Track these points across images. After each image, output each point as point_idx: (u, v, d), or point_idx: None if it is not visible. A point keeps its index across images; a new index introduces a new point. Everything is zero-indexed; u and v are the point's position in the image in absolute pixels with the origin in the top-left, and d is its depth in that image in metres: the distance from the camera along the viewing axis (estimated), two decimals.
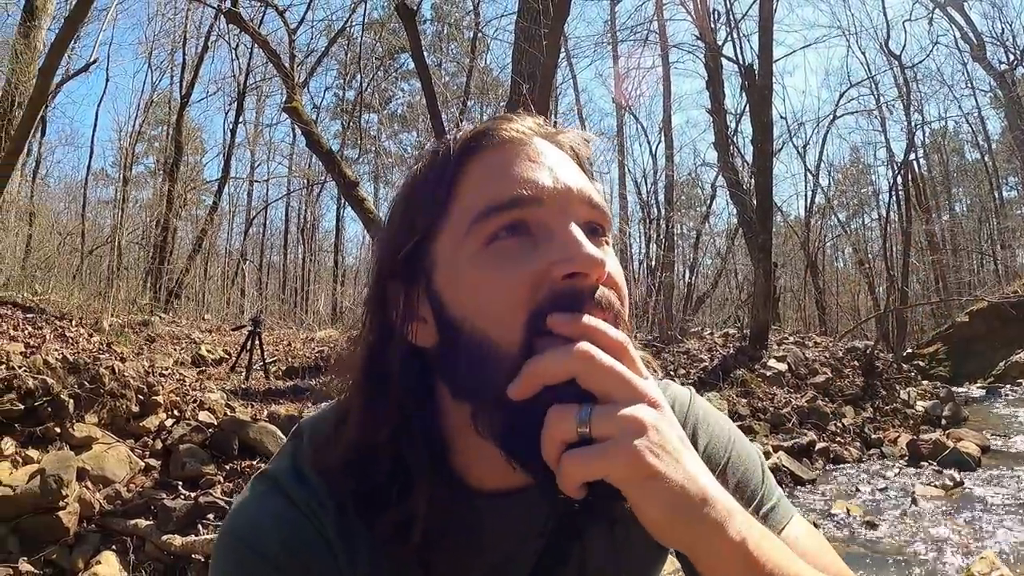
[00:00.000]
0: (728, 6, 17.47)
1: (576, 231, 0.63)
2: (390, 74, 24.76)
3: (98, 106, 33.66)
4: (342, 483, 0.69)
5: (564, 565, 0.72)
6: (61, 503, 4.38)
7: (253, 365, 8.84)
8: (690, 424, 0.83)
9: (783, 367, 10.37)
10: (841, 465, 8.08)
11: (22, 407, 4.97)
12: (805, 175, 24.08)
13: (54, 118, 21.09)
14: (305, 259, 27.13)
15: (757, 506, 0.79)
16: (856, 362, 11.39)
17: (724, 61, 16.50)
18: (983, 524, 5.77)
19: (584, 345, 0.56)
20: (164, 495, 4.81)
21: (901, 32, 31.25)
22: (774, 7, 12.19)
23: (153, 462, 5.26)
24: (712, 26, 16.64)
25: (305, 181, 24.90)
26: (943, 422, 10.07)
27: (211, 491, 4.86)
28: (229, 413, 5.90)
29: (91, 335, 7.03)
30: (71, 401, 5.16)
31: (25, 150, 12.49)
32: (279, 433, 5.59)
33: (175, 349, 9.13)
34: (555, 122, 0.76)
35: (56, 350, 5.66)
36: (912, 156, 20.53)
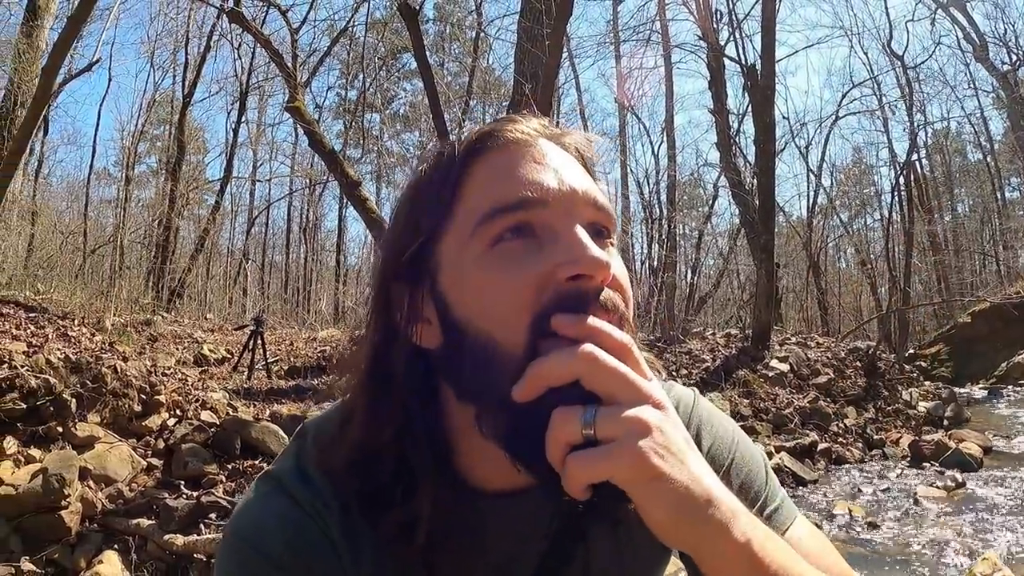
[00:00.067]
0: (730, 6, 17.48)
1: (581, 233, 0.63)
2: (392, 74, 24.80)
3: (100, 105, 34.10)
4: (346, 483, 0.69)
5: (567, 566, 0.72)
6: (63, 502, 4.39)
7: (255, 365, 8.85)
8: (694, 425, 0.83)
9: (785, 367, 10.36)
10: (843, 466, 8.08)
11: (24, 406, 4.97)
12: (807, 175, 24.13)
13: (57, 117, 21.18)
14: (307, 259, 27.14)
15: (761, 507, 0.79)
16: (858, 363, 11.37)
17: (726, 61, 16.50)
18: (985, 525, 5.77)
19: (588, 347, 0.56)
20: (166, 494, 4.81)
21: (903, 32, 31.22)
22: (776, 7, 12.17)
23: (155, 461, 5.26)
24: (714, 26, 16.63)
25: (307, 181, 24.91)
26: (945, 423, 10.06)
27: (213, 491, 4.86)
28: (231, 413, 5.90)
29: (93, 334, 7.03)
30: (73, 400, 5.17)
31: (28, 149, 12.53)
32: (281, 433, 5.60)
33: (177, 348, 9.14)
34: (557, 122, 0.76)
35: (58, 349, 5.66)
36: (914, 157, 20.56)
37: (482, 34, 19.24)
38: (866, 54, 29.14)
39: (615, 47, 21.88)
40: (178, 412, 5.78)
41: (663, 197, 20.41)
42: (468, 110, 18.29)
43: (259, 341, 8.91)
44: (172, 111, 21.00)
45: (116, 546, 4.44)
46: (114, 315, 8.95)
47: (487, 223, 0.63)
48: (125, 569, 4.28)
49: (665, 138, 20.99)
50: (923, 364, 16.30)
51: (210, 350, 9.53)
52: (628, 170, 22.48)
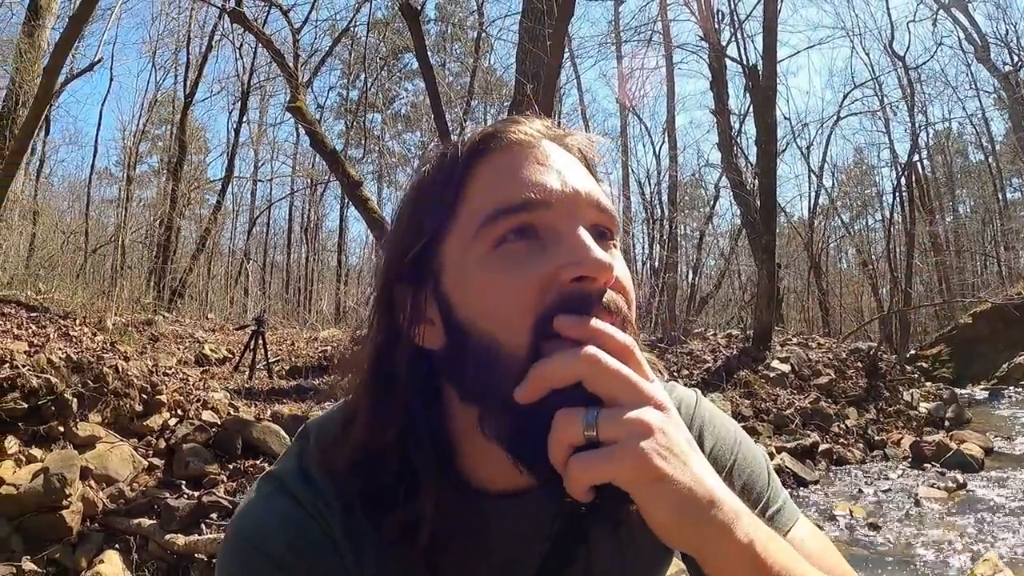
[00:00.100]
0: (732, 7, 17.46)
1: (584, 235, 0.63)
2: (394, 74, 24.80)
3: (102, 105, 33.94)
4: (349, 484, 0.69)
5: (569, 567, 0.72)
6: (64, 502, 4.39)
7: (256, 365, 8.86)
8: (696, 426, 0.83)
9: (786, 368, 10.36)
10: (844, 466, 8.07)
11: (26, 406, 4.98)
12: (809, 176, 24.11)
13: (58, 117, 21.20)
14: (308, 259, 27.16)
15: (763, 508, 0.79)
16: (859, 363, 11.36)
17: (728, 62, 16.46)
18: (986, 526, 5.77)
19: (590, 349, 0.56)
20: (167, 494, 4.82)
21: (905, 33, 31.06)
22: (778, 8, 12.16)
23: (156, 461, 5.27)
24: (716, 27, 16.61)
25: (309, 181, 24.92)
26: (946, 424, 10.05)
27: (214, 490, 4.87)
28: (232, 412, 5.91)
29: (95, 334, 7.05)
30: (75, 400, 5.17)
31: (29, 149, 12.55)
32: (282, 433, 5.60)
33: (179, 348, 9.16)
34: (559, 122, 0.76)
35: (60, 349, 5.67)
36: (916, 157, 20.48)
37: (483, 34, 19.22)
38: (867, 55, 29.01)
39: (617, 47, 21.89)
40: (179, 412, 5.78)
41: (664, 197, 20.46)
42: (470, 110, 18.29)
43: (260, 341, 8.93)
44: (174, 111, 21.03)
45: (117, 546, 4.44)
46: (115, 315, 8.97)
47: (490, 224, 0.63)
48: (126, 569, 4.28)
49: (666, 138, 21.03)
50: (924, 365, 16.28)
51: (211, 350, 9.54)
52: (629, 170, 22.50)
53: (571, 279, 0.60)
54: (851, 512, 6.23)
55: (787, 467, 7.30)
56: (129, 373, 5.63)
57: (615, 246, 0.68)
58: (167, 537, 4.45)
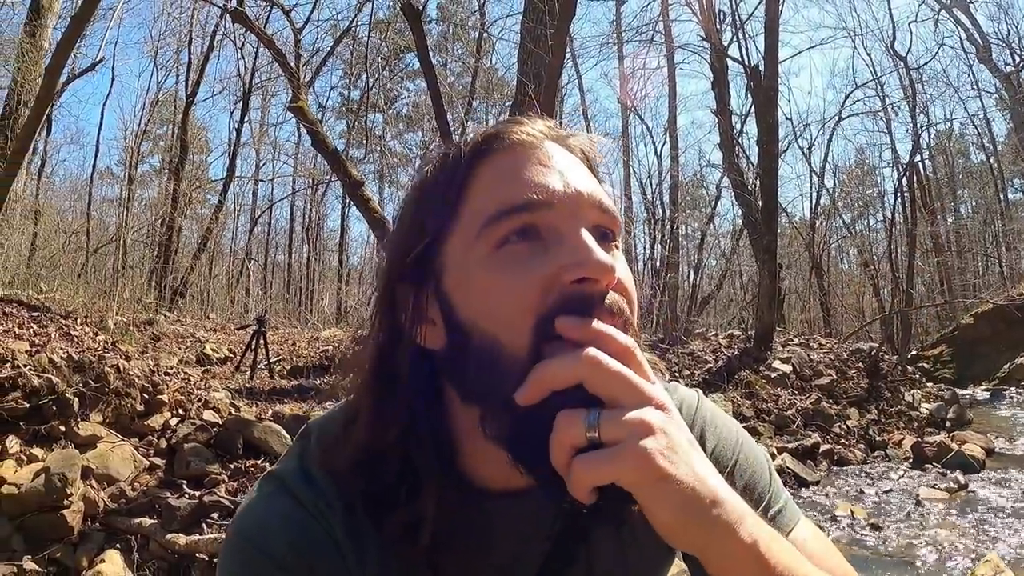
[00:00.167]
0: (734, 7, 17.48)
1: (586, 236, 0.62)
2: (395, 74, 24.80)
3: (104, 105, 34.03)
4: (350, 483, 0.69)
5: (571, 567, 0.72)
6: (65, 501, 4.39)
7: (258, 364, 8.87)
8: (698, 426, 0.83)
9: (788, 369, 10.36)
10: (845, 467, 8.06)
11: (27, 405, 4.98)
12: (810, 176, 24.12)
13: (60, 117, 21.19)
14: (310, 258, 27.21)
15: (765, 508, 0.79)
16: (861, 364, 11.36)
17: (729, 62, 16.46)
18: (987, 527, 5.76)
19: (591, 350, 0.56)
20: (168, 494, 4.82)
21: (907, 33, 31.00)
22: (780, 8, 12.16)
23: (157, 461, 5.27)
24: (718, 27, 16.61)
25: (310, 180, 24.95)
26: (947, 424, 10.03)
27: (215, 490, 4.87)
28: (234, 412, 5.91)
29: (96, 334, 7.05)
30: (76, 400, 5.17)
31: (31, 148, 12.55)
32: (284, 432, 5.60)
33: (180, 348, 9.17)
34: (560, 123, 0.75)
35: (61, 348, 5.68)
36: (917, 158, 20.47)
37: (485, 34, 19.23)
38: (869, 55, 29.11)
39: (618, 48, 21.90)
40: (180, 412, 5.78)
41: (666, 198, 20.49)
42: (471, 110, 18.31)
43: (262, 341, 8.94)
44: (175, 110, 21.06)
45: (118, 545, 4.44)
46: (117, 314, 8.98)
47: (492, 225, 0.63)
48: (127, 568, 4.28)
49: (668, 139, 21.08)
50: (925, 365, 16.27)
51: (212, 350, 9.55)
52: (631, 170, 22.53)
53: (573, 280, 0.60)
54: (852, 513, 6.23)
55: (788, 468, 7.29)
56: (130, 373, 5.63)
57: (617, 247, 0.68)
58: (168, 537, 4.45)
